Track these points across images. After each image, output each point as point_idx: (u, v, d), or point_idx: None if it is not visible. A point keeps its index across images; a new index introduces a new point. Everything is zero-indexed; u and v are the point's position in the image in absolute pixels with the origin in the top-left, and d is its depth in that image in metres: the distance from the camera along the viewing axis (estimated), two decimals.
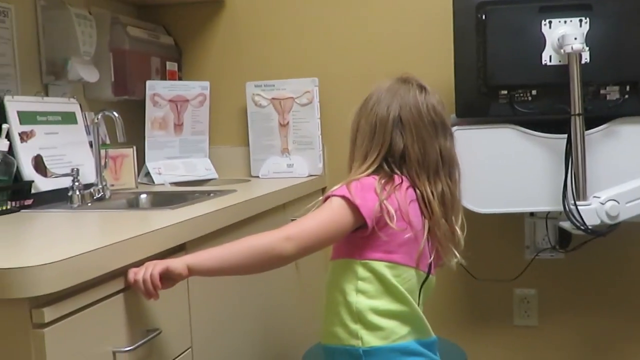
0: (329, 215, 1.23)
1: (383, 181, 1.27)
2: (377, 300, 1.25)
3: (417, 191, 1.29)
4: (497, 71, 1.90)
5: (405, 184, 1.29)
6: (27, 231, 1.36)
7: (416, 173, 1.29)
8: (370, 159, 1.31)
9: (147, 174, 2.17)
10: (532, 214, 2.20)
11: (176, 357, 1.30)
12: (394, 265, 1.25)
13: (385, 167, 1.30)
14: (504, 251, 2.25)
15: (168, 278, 1.14)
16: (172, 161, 2.25)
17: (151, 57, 2.23)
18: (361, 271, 1.26)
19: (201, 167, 2.30)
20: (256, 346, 1.74)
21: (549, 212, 2.13)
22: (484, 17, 1.90)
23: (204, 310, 1.42)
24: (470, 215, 1.89)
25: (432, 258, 1.31)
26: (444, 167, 1.32)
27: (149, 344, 1.19)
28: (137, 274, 1.12)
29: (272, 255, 1.19)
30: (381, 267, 1.25)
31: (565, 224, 1.91)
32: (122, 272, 1.11)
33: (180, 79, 2.40)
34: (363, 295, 1.25)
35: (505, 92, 1.91)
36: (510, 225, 2.23)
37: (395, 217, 1.22)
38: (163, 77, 2.29)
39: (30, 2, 1.85)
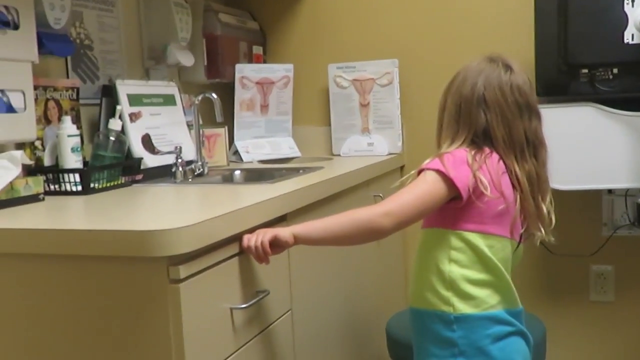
0: (425, 189, 1.28)
1: (474, 152, 1.31)
2: (470, 270, 1.30)
3: (507, 166, 1.34)
4: (578, 49, 1.93)
5: (496, 155, 1.33)
6: (146, 202, 1.51)
7: (503, 151, 1.33)
8: (458, 140, 1.35)
9: (236, 152, 2.31)
10: (610, 191, 2.23)
11: (279, 318, 1.43)
12: (488, 236, 1.30)
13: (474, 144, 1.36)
14: (581, 227, 2.28)
15: (277, 245, 1.26)
16: (259, 140, 2.38)
17: (239, 42, 2.36)
18: (454, 241, 1.30)
19: (285, 146, 2.43)
20: (347, 311, 1.86)
21: (628, 190, 2.15)
22: None
23: (302, 277, 1.54)
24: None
25: (523, 228, 1.36)
26: (528, 147, 1.35)
27: (257, 305, 1.32)
28: (250, 240, 1.24)
29: (372, 229, 1.26)
30: (475, 237, 1.29)
31: None
32: (238, 237, 1.24)
33: (265, 62, 2.52)
34: (456, 264, 1.30)
35: (586, 70, 1.94)
36: (589, 201, 2.25)
37: (488, 187, 1.27)
38: (250, 61, 2.42)
39: None
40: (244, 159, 2.29)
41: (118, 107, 1.72)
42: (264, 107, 2.40)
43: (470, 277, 1.30)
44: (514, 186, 1.33)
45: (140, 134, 1.80)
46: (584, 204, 2.26)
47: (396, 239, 2.17)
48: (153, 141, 1.80)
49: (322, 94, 2.47)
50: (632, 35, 1.88)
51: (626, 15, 1.88)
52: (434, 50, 2.36)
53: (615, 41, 1.90)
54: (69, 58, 1.75)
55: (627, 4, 1.88)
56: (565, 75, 1.96)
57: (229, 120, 2.31)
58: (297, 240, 1.27)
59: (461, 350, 1.30)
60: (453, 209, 1.30)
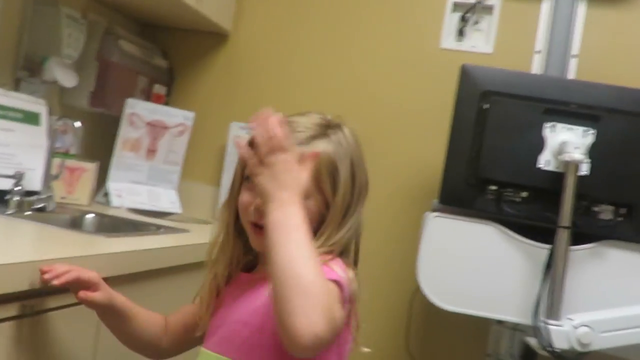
0: None
1: None
2: None
3: None
4: (490, 164, 1.80)
5: None
6: None
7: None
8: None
9: (106, 194, 2.04)
10: (499, 321, 2.06)
11: None
12: None
13: None
14: (463, 355, 2.10)
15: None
16: (136, 186, 2.12)
17: (139, 76, 2.13)
18: None
19: (165, 199, 2.17)
20: None
21: (517, 324, 1.99)
22: (487, 106, 1.80)
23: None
24: (433, 309, 1.76)
25: None
26: None
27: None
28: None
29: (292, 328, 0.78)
30: None
31: (532, 341, 1.77)
32: (16, 297, 0.96)
33: (166, 104, 2.29)
34: None
35: (495, 187, 1.80)
36: (475, 328, 2.08)
37: None
38: (148, 99, 2.19)
39: None
40: (113, 204, 2.02)
41: None
42: (151, 151, 2.15)
43: None
44: None
45: None
46: (470, 330, 2.09)
47: None
48: None
49: (219, 152, 2.25)
50: (547, 160, 1.76)
51: (545, 139, 1.77)
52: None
53: (529, 163, 1.78)
54: None
55: (548, 127, 1.77)
56: (473, 188, 1.81)
57: (106, 157, 2.05)
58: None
59: None
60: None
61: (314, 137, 1.00)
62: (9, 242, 1.25)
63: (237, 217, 1.04)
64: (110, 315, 1.06)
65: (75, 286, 1.00)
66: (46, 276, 0.96)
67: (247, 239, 1.03)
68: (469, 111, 1.82)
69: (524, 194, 1.80)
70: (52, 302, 1.05)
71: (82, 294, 1.00)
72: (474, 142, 1.81)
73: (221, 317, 1.03)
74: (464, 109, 1.83)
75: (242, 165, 1.03)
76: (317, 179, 0.95)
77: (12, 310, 0.96)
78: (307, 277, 0.79)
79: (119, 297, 1.06)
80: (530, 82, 1.87)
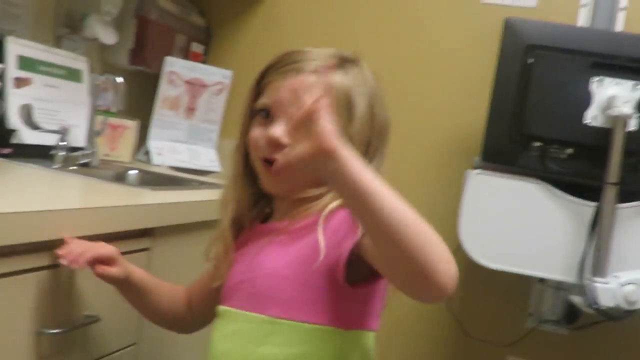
0: None
1: None
2: None
3: None
4: (535, 120, 1.75)
5: None
6: None
7: None
8: None
9: (147, 152, 2.05)
10: (542, 279, 2.04)
11: (114, 352, 1.16)
12: (373, 334, 0.97)
13: None
14: (504, 313, 2.08)
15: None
16: (177, 145, 2.13)
17: (177, 34, 2.12)
18: (347, 346, 0.92)
19: (205, 157, 2.18)
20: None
21: (560, 282, 1.96)
22: (531, 61, 1.75)
23: None
24: (475, 267, 1.75)
25: None
26: None
27: (83, 333, 1.05)
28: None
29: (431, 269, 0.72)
30: (371, 339, 0.96)
31: (577, 299, 1.75)
32: (57, 244, 0.96)
33: (204, 63, 2.28)
34: None
35: (539, 144, 1.76)
36: (517, 286, 2.06)
37: None
38: (186, 57, 2.18)
39: None
40: (154, 161, 2.03)
41: None
42: (190, 110, 2.15)
43: None
44: None
45: (23, 102, 1.53)
46: (511, 288, 2.07)
47: None
48: (35, 115, 1.53)
49: None
50: (594, 116, 1.71)
51: (592, 94, 1.72)
52: (385, 82, 2.16)
53: (575, 119, 1.73)
54: None
55: (595, 82, 1.72)
56: (516, 144, 1.77)
57: (146, 115, 2.05)
58: None
59: None
60: (356, 296, 0.91)
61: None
62: (57, 192, 1.26)
63: (247, 162, 0.99)
64: (129, 290, 1.04)
65: (93, 262, 0.96)
66: (63, 262, 0.91)
67: (258, 188, 0.97)
68: (513, 66, 1.77)
69: (570, 151, 1.76)
70: None
71: (99, 269, 0.97)
72: (517, 98, 1.77)
73: (243, 271, 0.96)
74: (507, 64, 1.78)
75: (252, 97, 0.99)
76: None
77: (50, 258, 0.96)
78: (424, 226, 0.74)
79: (137, 271, 1.03)
80: (577, 35, 1.81)
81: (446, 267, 0.72)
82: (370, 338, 0.95)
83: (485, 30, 2.05)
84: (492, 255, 1.77)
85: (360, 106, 0.93)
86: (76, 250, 0.93)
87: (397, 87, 2.15)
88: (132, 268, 1.03)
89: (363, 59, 1.00)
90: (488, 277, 1.93)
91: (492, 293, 2.08)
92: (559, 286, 1.99)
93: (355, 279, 0.88)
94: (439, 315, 2.10)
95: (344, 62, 0.96)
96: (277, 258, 0.93)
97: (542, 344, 2.06)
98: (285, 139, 0.90)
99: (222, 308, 0.97)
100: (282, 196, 0.98)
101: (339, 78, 0.94)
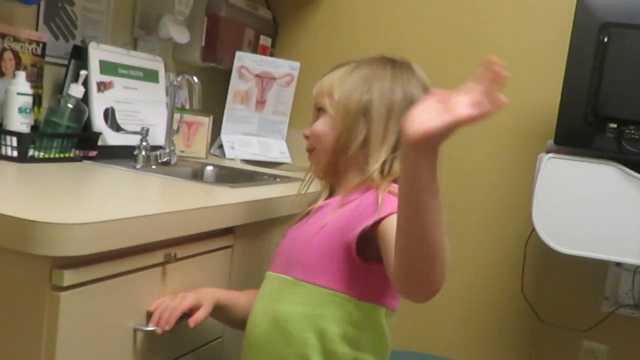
0: None
1: None
2: (363, 355, 1.04)
3: None
4: (611, 101, 1.71)
5: None
6: (79, 183, 1.32)
7: None
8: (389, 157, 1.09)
9: (220, 146, 2.12)
10: (618, 263, 2.00)
11: (203, 345, 1.23)
12: (391, 314, 1.06)
13: None
14: (579, 298, 2.06)
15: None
16: (248, 138, 2.19)
17: (245, 28, 2.17)
18: (356, 314, 1.02)
19: (276, 149, 2.23)
20: None
21: (638, 266, 1.92)
22: (606, 39, 1.71)
23: None
24: (549, 252, 1.74)
25: None
26: None
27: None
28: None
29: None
30: (382, 314, 1.04)
31: None
32: (160, 245, 1.04)
33: (272, 55, 2.33)
34: (350, 345, 1.02)
35: (615, 125, 1.72)
36: (592, 270, 2.03)
37: None
38: (254, 51, 2.23)
39: None
40: (227, 155, 2.09)
41: (82, 72, 1.53)
42: (261, 103, 2.20)
43: None
44: None
45: (106, 106, 1.61)
46: (586, 273, 2.03)
47: None
48: (118, 117, 1.61)
49: None
50: None
51: None
52: (451, 72, 2.13)
53: None
54: (41, 9, 1.57)
55: None
56: (591, 126, 1.74)
57: (219, 110, 2.12)
58: None
59: None
60: (369, 271, 0.99)
61: (332, 69, 1.15)
62: (144, 195, 1.33)
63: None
64: (220, 313, 1.13)
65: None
66: (157, 331, 1.02)
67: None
68: (587, 45, 1.73)
69: None
70: (191, 249, 1.13)
71: (192, 323, 1.06)
72: (592, 78, 1.73)
73: (288, 241, 1.11)
74: (581, 42, 1.74)
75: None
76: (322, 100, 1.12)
77: (159, 257, 1.03)
78: (446, 241, 0.79)
79: (221, 296, 1.13)
80: None
81: (439, 285, 0.81)
82: (384, 315, 1.03)
83: (557, 9, 2.00)
84: (566, 240, 1.75)
85: (377, 109, 1.07)
86: (164, 316, 1.03)
87: (466, 72, 2.13)
88: (215, 294, 1.12)
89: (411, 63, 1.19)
90: (562, 262, 1.91)
91: (567, 278, 2.06)
92: (636, 269, 1.95)
93: (368, 256, 0.97)
94: (513, 302, 2.09)
95: (342, 65, 1.16)
96: (311, 230, 1.06)
97: (619, 328, 2.02)
98: (307, 132, 1.15)
99: (267, 273, 1.11)
100: (322, 179, 1.16)
101: (335, 75, 1.14)
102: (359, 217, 0.98)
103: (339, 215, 1.03)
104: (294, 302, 1.03)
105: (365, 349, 1.03)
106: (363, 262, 0.98)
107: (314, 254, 1.03)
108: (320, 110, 1.14)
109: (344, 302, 1.00)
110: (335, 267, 1.00)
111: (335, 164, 1.10)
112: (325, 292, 1.01)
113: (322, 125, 1.12)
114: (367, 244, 0.97)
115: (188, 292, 1.09)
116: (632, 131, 1.72)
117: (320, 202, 1.12)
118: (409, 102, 1.06)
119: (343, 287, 1.00)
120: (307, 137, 1.16)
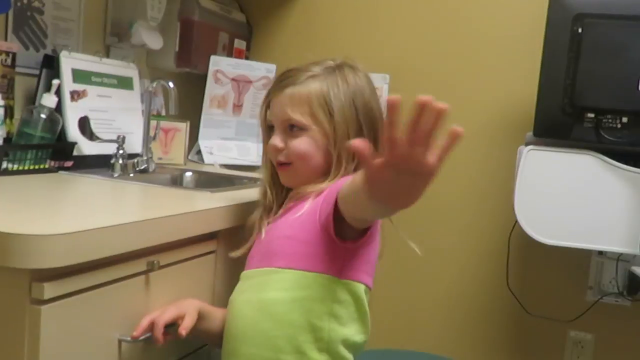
0: None
1: None
2: (348, 329, 1.09)
3: None
4: (587, 91, 1.72)
5: None
6: (56, 194, 1.29)
7: None
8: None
9: (199, 152, 2.09)
10: (601, 252, 2.01)
11: (191, 353, 1.20)
12: (367, 289, 1.12)
13: None
14: (564, 289, 2.07)
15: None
16: (226, 142, 2.17)
17: (220, 32, 2.15)
18: (340, 292, 1.07)
19: (255, 152, 2.21)
20: None
21: (621, 254, 1.93)
22: (580, 30, 1.72)
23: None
24: (532, 244, 1.74)
25: None
26: None
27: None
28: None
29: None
30: (361, 289, 1.09)
31: (639, 270, 1.73)
32: (141, 253, 1.01)
33: (247, 58, 2.31)
34: (336, 321, 1.07)
35: (593, 115, 1.73)
36: (576, 261, 2.04)
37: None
38: (229, 54, 2.21)
39: None
40: (206, 161, 2.07)
41: (54, 82, 1.50)
42: (237, 106, 2.18)
43: (349, 339, 1.09)
44: None
45: (80, 115, 1.58)
46: (570, 263, 2.05)
47: None
48: (93, 126, 1.58)
49: None
50: None
51: None
52: (428, 69, 2.15)
53: (629, 87, 1.69)
54: (9, 18, 1.53)
55: None
56: (569, 117, 1.74)
57: (196, 115, 2.09)
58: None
59: None
60: (346, 251, 1.06)
61: (311, 77, 1.14)
62: (123, 203, 1.31)
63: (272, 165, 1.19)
64: (201, 323, 1.12)
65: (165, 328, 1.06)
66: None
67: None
68: (562, 36, 1.74)
69: (625, 120, 1.72)
70: (173, 256, 1.11)
71: (182, 330, 1.06)
72: (568, 69, 1.73)
73: (259, 244, 1.14)
74: (556, 34, 1.75)
75: (264, 113, 1.18)
76: (310, 111, 1.11)
77: (141, 265, 1.01)
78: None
79: (201, 304, 1.13)
80: (627, 1, 1.76)
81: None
82: (363, 290, 1.10)
83: (532, 1, 2.01)
84: (549, 231, 1.76)
85: (337, 104, 1.11)
86: (144, 326, 1.03)
87: (444, 65, 2.14)
88: (196, 303, 1.12)
89: (352, 63, 1.22)
90: (546, 253, 1.92)
91: (551, 269, 2.07)
92: (619, 258, 1.97)
93: (344, 237, 1.03)
94: (498, 295, 2.10)
95: (325, 70, 1.16)
96: (283, 226, 1.12)
97: (604, 316, 2.04)
98: (281, 145, 1.14)
99: (242, 274, 1.14)
100: (294, 187, 1.17)
101: (316, 85, 1.13)
102: (330, 199, 1.01)
103: (314, 205, 1.08)
104: (280, 288, 1.07)
105: (350, 324, 1.08)
106: (341, 242, 1.03)
107: (293, 243, 1.08)
108: (293, 128, 1.13)
109: (328, 282, 1.06)
110: (316, 251, 1.05)
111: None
112: (309, 275, 1.06)
113: (306, 146, 1.12)
114: (341, 226, 1.01)
115: (166, 305, 1.08)
116: (610, 120, 1.73)
117: (287, 206, 1.16)
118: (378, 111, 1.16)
119: (325, 268, 1.06)
120: (279, 150, 1.14)
